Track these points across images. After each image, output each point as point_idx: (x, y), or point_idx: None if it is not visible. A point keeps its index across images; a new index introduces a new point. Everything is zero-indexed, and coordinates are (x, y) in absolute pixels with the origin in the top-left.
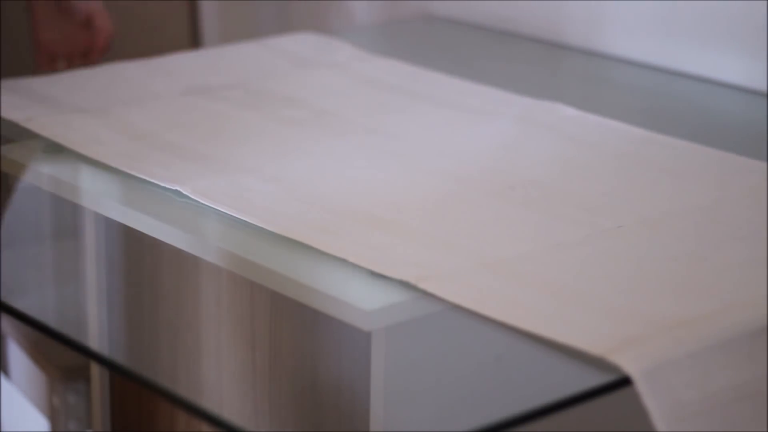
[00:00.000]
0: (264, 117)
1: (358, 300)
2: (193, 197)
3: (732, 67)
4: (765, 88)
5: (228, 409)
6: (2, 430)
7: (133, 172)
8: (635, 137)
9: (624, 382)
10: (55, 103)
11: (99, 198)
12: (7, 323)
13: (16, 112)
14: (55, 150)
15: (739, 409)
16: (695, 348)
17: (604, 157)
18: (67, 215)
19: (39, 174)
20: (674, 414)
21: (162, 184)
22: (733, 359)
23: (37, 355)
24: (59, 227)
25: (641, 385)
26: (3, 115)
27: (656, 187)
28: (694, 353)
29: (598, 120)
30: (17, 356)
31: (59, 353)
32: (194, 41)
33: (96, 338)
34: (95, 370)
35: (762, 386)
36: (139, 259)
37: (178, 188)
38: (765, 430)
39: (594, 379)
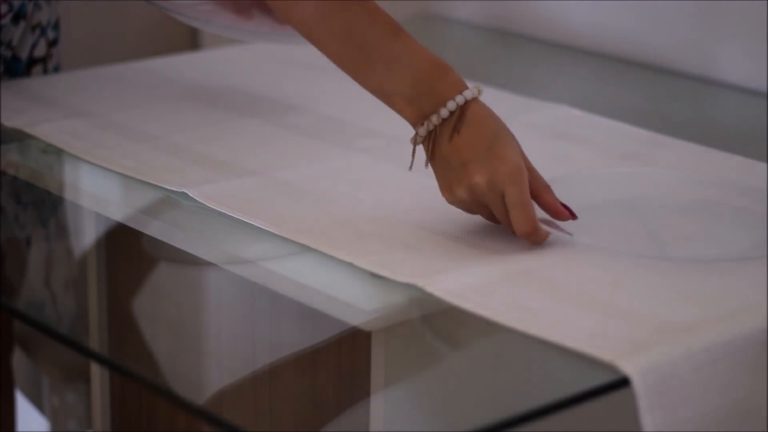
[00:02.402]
0: (267, 121)
1: (358, 300)
2: (200, 200)
3: (732, 67)
4: (765, 88)
5: (228, 409)
6: (2, 430)
7: (140, 177)
8: (637, 138)
9: (623, 382)
10: (56, 106)
11: (99, 198)
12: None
13: (18, 117)
14: (55, 150)
15: (734, 425)
16: (697, 358)
17: (608, 158)
18: (67, 215)
19: (39, 174)
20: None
21: (169, 188)
22: (732, 373)
23: (37, 355)
24: (59, 227)
25: (642, 401)
26: (4, 121)
27: None
28: (696, 367)
29: (601, 120)
30: (17, 356)
31: (59, 353)
32: (193, 42)
33: (96, 338)
34: (95, 370)
35: (759, 402)
36: (139, 259)
37: (185, 191)
38: None
39: (594, 379)
